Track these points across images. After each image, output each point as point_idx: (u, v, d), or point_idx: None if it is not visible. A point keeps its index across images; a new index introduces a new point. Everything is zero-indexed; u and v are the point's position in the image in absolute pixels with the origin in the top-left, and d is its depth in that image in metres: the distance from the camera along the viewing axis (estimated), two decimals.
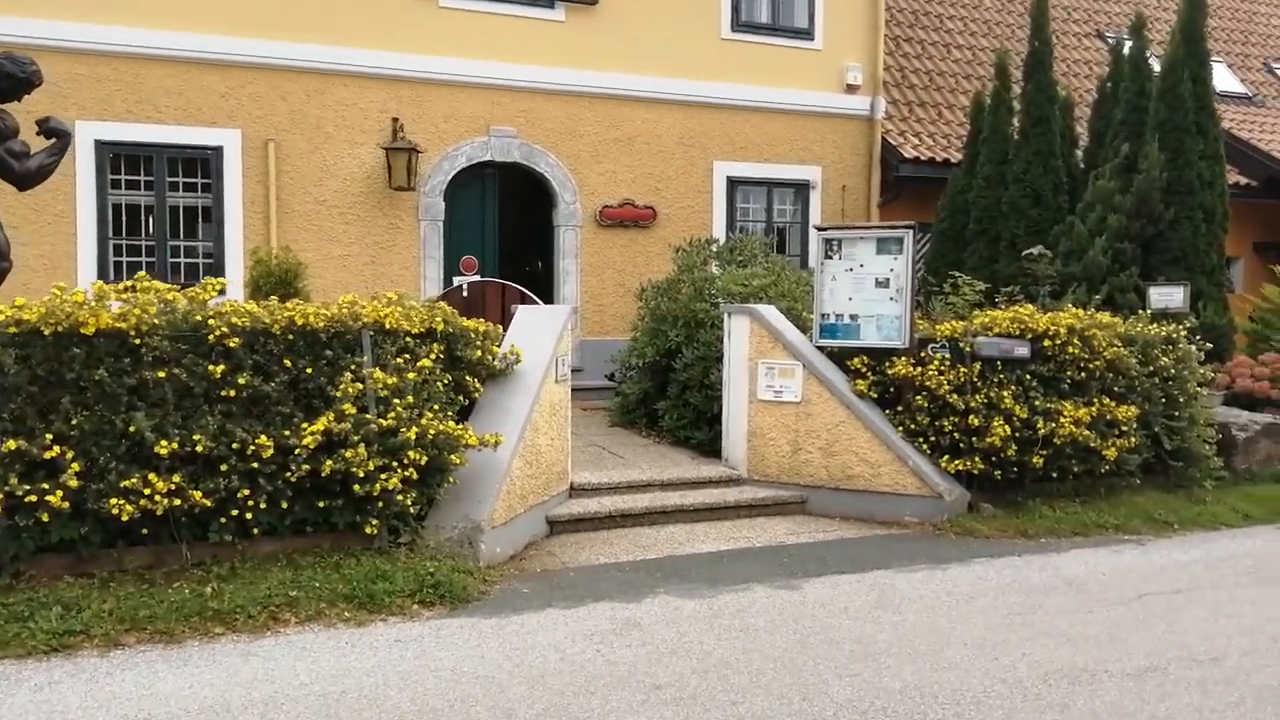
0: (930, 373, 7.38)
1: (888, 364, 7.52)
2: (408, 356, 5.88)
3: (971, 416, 7.29)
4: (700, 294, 9.32)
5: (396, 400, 5.60)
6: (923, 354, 7.55)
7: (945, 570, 6.22)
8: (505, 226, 12.67)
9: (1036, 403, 7.45)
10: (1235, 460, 8.80)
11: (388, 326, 5.84)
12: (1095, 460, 7.65)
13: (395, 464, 5.51)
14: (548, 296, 12.30)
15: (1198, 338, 8.52)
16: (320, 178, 11.07)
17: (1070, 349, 7.61)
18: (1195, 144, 10.55)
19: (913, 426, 7.43)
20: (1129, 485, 8.05)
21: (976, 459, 7.30)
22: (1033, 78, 11.67)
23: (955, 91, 15.21)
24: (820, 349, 7.77)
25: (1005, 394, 7.38)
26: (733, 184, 12.92)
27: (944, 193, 12.69)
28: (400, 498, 5.49)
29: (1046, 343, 7.58)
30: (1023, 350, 7.55)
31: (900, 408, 7.53)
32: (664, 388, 9.32)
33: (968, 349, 7.47)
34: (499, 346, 6.68)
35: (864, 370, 7.59)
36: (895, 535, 7.05)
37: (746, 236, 10.47)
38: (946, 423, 7.34)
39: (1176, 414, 8.21)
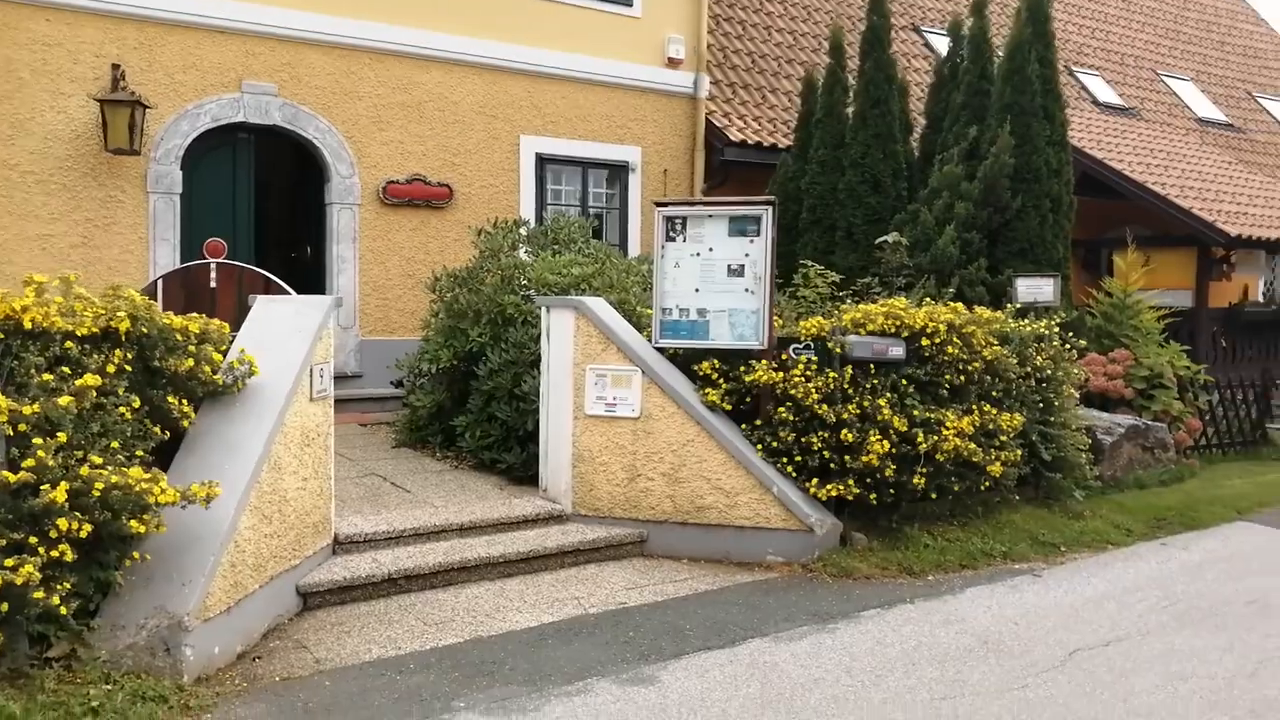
0: (795, 379, 6.01)
1: (744, 368, 6.10)
2: (67, 370, 3.87)
3: (844, 431, 5.97)
4: (509, 284, 7.62)
5: (39, 439, 3.59)
6: (784, 356, 6.18)
7: (834, 633, 4.82)
8: (265, 204, 10.45)
9: (915, 412, 6.23)
10: (1101, 467, 8.00)
11: (30, 325, 3.80)
12: (976, 477, 6.53)
13: (35, 540, 3.50)
14: (319, 288, 10.22)
15: (1070, 334, 7.63)
16: (11, 135, 8.54)
17: (950, 349, 6.45)
18: (1042, 129, 9.83)
19: (775, 444, 6.04)
20: (1005, 501, 7.03)
21: (850, 481, 5.99)
22: (870, 55, 10.67)
23: (778, 75, 14.21)
24: (661, 351, 6.26)
25: (881, 402, 6.12)
26: (542, 162, 11.26)
27: (772, 179, 11.55)
28: (40, 594, 3.48)
29: (924, 341, 6.38)
30: (898, 350, 6.32)
31: (759, 422, 6.13)
32: (464, 399, 7.55)
33: (837, 350, 6.16)
34: (224, 353, 4.73)
35: (715, 377, 6.14)
36: (760, 582, 5.61)
37: (563, 217, 8.86)
38: (815, 439, 5.99)
39: (1052, 419, 7.27)
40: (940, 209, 9.74)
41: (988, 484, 6.61)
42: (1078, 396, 7.62)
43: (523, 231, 8.51)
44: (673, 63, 11.92)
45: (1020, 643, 4.80)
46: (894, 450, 6.03)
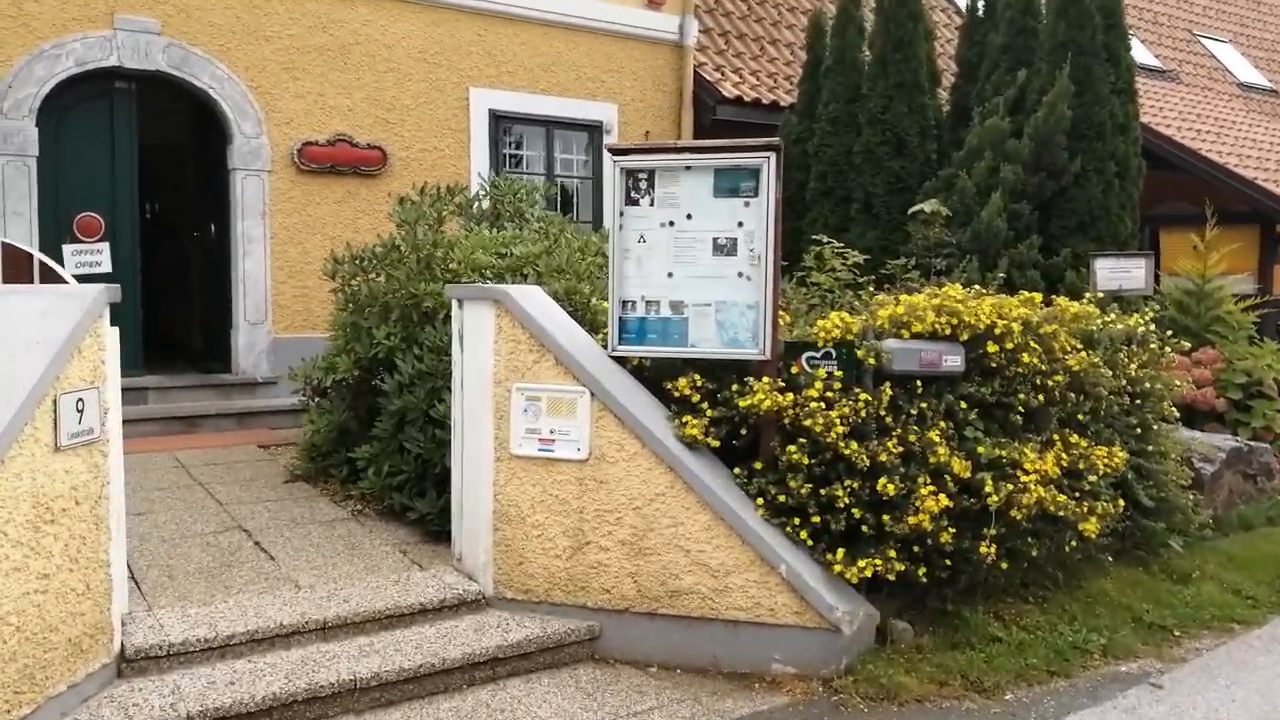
0: (810, 404, 4.18)
1: (737, 388, 4.27)
2: None
3: (883, 479, 4.15)
4: (429, 268, 5.77)
5: None
6: (795, 369, 4.35)
7: None
8: (157, 172, 8.64)
9: (981, 450, 4.42)
10: (1200, 504, 6.18)
11: None
12: (1060, 534, 4.72)
13: None
14: (224, 274, 8.38)
15: (1169, 333, 5.83)
16: None
17: (1025, 356, 4.64)
18: (1105, 74, 7.99)
19: (782, 499, 4.20)
20: (1090, 560, 5.21)
21: (892, 553, 4.17)
22: None
23: (779, 25, 12.34)
24: (621, 362, 4.42)
25: (934, 436, 4.30)
26: (498, 120, 9.39)
27: None
28: None
29: (990, 347, 4.56)
30: (955, 361, 4.50)
31: (760, 465, 4.29)
32: (373, 419, 5.72)
33: (871, 361, 4.33)
34: None
35: (697, 400, 4.30)
36: (762, 715, 3.79)
37: (508, 180, 6.99)
38: (840, 490, 4.16)
39: (1150, 448, 5.46)
40: (981, 173, 7.91)
41: (1073, 543, 4.79)
42: (1178, 415, 5.79)
43: (457, 200, 6.65)
44: (654, 3, 10.03)
45: None
46: (952, 505, 4.22)
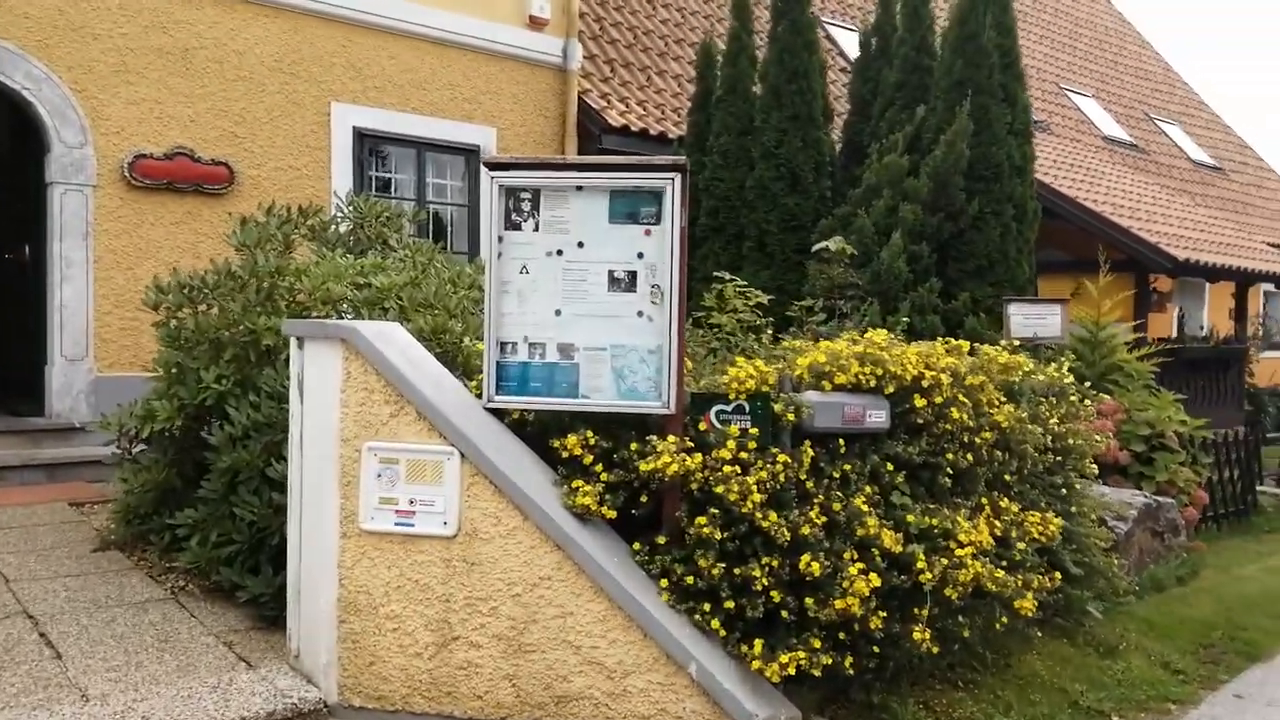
0: (724, 467, 3.56)
1: (637, 447, 3.61)
2: None
3: (806, 556, 3.55)
4: (271, 299, 4.93)
5: None
6: (703, 425, 3.73)
7: None
8: None
9: (910, 519, 3.89)
10: (1121, 568, 5.85)
11: None
12: (992, 612, 4.23)
13: None
14: (37, 304, 7.26)
15: (1087, 384, 5.50)
16: None
17: (954, 411, 4.15)
18: (1002, 114, 7.79)
19: (690, 580, 3.55)
20: (1016, 635, 4.75)
21: (816, 642, 3.56)
22: (786, 16, 8.48)
23: (665, 55, 11.94)
24: (498, 415, 3.71)
25: (860, 503, 3.74)
26: (364, 140, 8.57)
27: None
28: None
29: (918, 401, 4.06)
30: (880, 416, 3.98)
31: (664, 539, 3.63)
32: (200, 478, 4.81)
33: (789, 417, 3.75)
34: None
35: (590, 461, 3.62)
36: None
37: (373, 202, 6.20)
38: (757, 570, 3.53)
39: (1073, 509, 5.07)
40: (880, 212, 7.57)
41: (1004, 619, 4.31)
42: (1097, 472, 5.45)
43: (309, 224, 5.82)
44: (536, 23, 9.43)
45: None
46: (881, 583, 3.66)
